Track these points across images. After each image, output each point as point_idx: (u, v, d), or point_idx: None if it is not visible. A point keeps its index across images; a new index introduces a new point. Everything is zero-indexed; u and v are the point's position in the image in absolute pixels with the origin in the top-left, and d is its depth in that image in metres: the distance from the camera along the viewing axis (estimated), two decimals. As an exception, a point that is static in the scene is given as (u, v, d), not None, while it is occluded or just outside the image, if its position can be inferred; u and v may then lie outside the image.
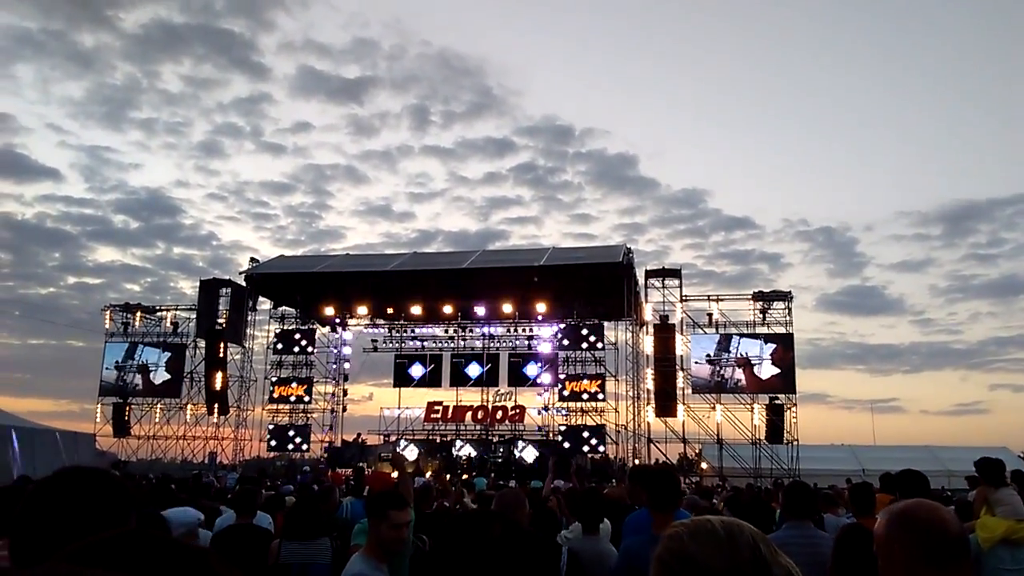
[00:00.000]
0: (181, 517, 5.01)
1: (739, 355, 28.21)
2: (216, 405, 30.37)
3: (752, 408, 27.83)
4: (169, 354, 31.79)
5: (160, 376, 31.68)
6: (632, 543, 4.45)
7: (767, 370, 27.96)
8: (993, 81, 78.32)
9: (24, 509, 1.66)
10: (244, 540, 5.84)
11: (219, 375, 30.12)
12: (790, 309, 28.38)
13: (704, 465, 29.09)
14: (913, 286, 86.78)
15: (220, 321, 30.79)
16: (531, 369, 30.47)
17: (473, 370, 30.95)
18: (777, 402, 27.67)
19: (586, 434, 28.44)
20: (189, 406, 31.58)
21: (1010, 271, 75.76)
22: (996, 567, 5.57)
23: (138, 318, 32.31)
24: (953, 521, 2.00)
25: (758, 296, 28.64)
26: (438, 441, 30.03)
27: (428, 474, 24.91)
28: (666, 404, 27.78)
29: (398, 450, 28.45)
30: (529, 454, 28.05)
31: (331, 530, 6.06)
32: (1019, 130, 79.04)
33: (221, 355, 30.30)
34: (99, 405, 31.64)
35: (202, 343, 30.97)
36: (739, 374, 28.10)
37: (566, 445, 28.08)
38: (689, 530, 1.35)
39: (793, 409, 27.72)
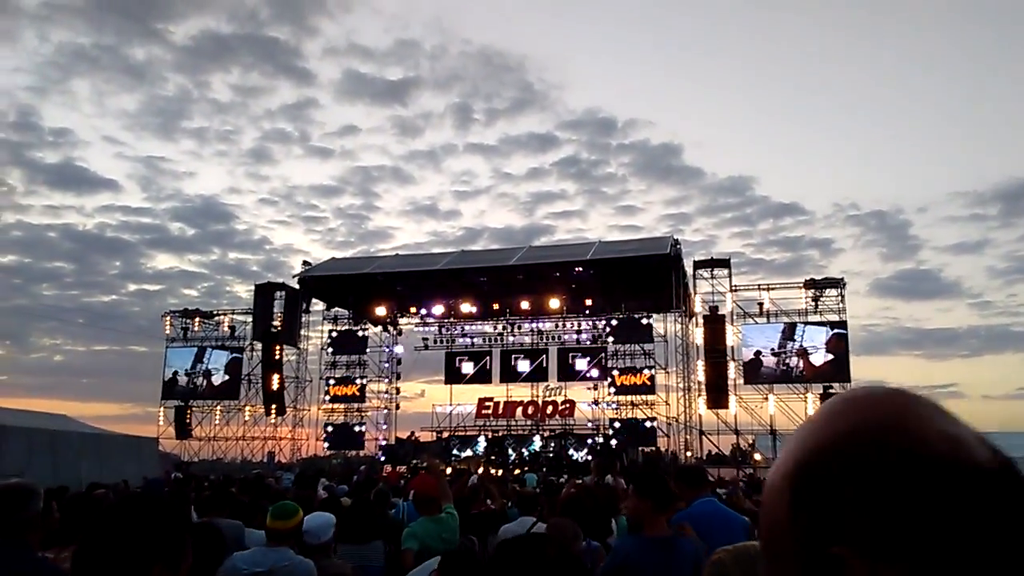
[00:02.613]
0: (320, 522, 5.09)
1: (801, 345, 27.80)
2: (273, 406, 31.14)
3: (805, 397, 27.41)
4: (232, 356, 32.73)
5: (220, 378, 32.62)
6: (623, 544, 4.40)
7: (820, 358, 27.54)
8: (1053, 52, 75.44)
9: (85, 541, 1.85)
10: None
11: (276, 376, 30.86)
12: (843, 296, 27.90)
13: (757, 456, 28.76)
14: (970, 268, 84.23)
15: (275, 324, 31.51)
16: (580, 363, 30.50)
17: (523, 365, 31.12)
18: (831, 391, 27.18)
19: (636, 427, 28.36)
20: (247, 407, 32.41)
21: (1075, 249, 73.00)
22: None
23: (197, 323, 33.26)
24: None
25: (810, 284, 28.18)
26: (490, 436, 30.29)
27: (479, 471, 25.25)
28: (718, 395, 27.56)
29: (468, 450, 28.96)
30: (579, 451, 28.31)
31: (385, 533, 6.23)
32: (1082, 101, 75.92)
33: (277, 357, 31.04)
34: (161, 408, 32.65)
35: (259, 346, 31.73)
36: (800, 363, 27.78)
37: (613, 443, 28.10)
38: (732, 555, 1.34)
39: (849, 398, 27.17)
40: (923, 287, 74.07)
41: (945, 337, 73.16)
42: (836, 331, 27.66)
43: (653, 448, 29.17)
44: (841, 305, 27.79)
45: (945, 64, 79.45)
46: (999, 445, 0.70)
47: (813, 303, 27.99)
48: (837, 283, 28.17)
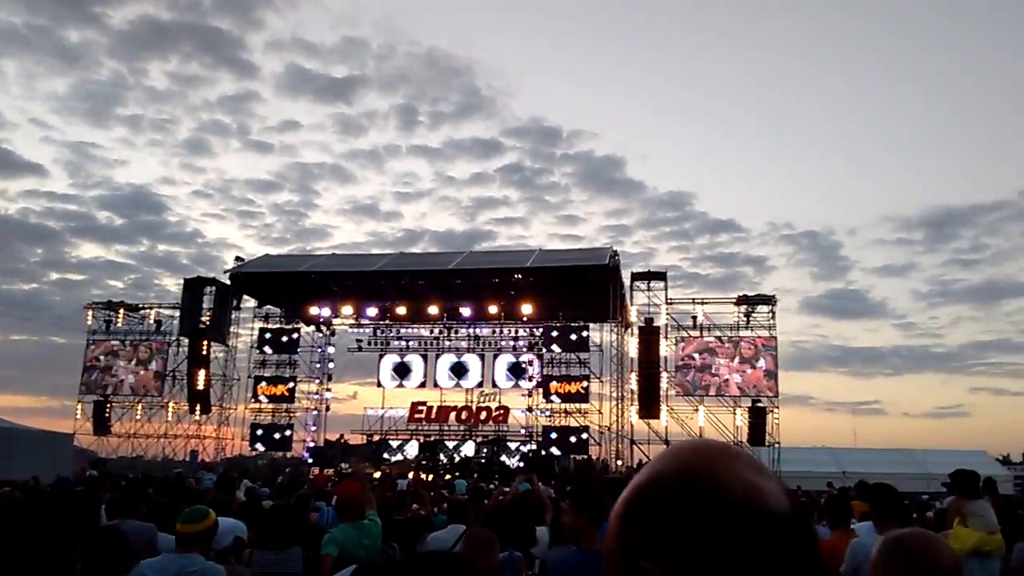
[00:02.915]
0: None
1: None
2: (198, 404, 30.22)
3: (735, 411, 27.95)
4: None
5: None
6: (565, 556, 4.41)
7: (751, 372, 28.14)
8: (976, 88, 79.09)
9: None
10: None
11: (202, 373, 29.97)
12: (774, 313, 28.56)
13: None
14: (896, 290, 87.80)
15: (204, 320, 30.63)
16: (516, 370, 30.47)
17: (458, 370, 30.91)
18: (759, 405, 27.80)
19: (569, 435, 28.46)
20: (171, 404, 31.41)
21: (991, 276, 76.70)
22: (967, 578, 5.67)
23: (121, 316, 32.09)
24: (946, 553, 1.99)
25: (742, 300, 28.76)
26: (422, 441, 30.02)
27: (410, 475, 24.96)
28: (649, 406, 27.85)
29: (399, 454, 28.66)
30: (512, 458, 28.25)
31: (304, 538, 6.02)
32: (1001, 136, 79.88)
33: (204, 353, 30.14)
34: (79, 403, 31.43)
35: (185, 341, 30.81)
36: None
37: (554, 451, 28.17)
38: None
39: (775, 411, 27.86)
40: (851, 306, 76.67)
41: (870, 355, 75.86)
42: (766, 347, 28.30)
43: (585, 456, 29.31)
44: (772, 321, 28.46)
45: (876, 93, 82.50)
46: (798, 498, 0.94)
47: (745, 318, 28.57)
48: (768, 300, 28.83)
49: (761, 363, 28.03)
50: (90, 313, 32.19)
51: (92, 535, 4.45)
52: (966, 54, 79.40)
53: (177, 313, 31.37)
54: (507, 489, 10.73)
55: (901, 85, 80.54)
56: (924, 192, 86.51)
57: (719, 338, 28.60)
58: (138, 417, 31.56)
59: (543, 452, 28.26)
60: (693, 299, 29.45)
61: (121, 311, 32.13)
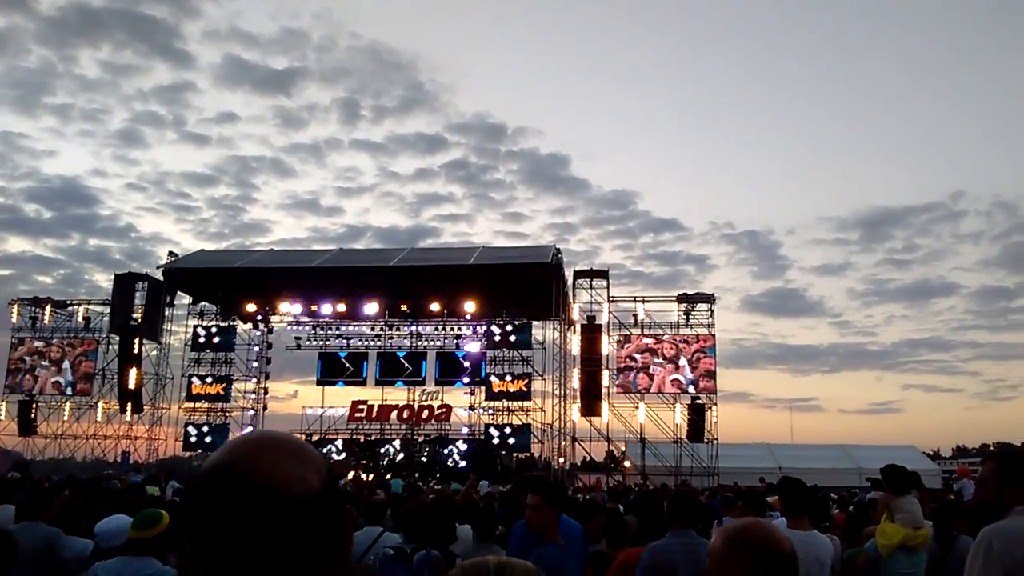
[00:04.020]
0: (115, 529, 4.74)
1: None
2: (129, 403, 29.32)
3: (674, 407, 28.27)
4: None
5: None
6: (547, 551, 4.34)
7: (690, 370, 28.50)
8: (909, 94, 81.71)
9: None
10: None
11: (133, 372, 29.09)
12: (713, 311, 28.95)
13: (627, 463, 29.41)
14: (832, 289, 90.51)
15: (135, 316, 29.74)
16: (458, 368, 30.27)
17: (399, 369, 30.56)
18: (699, 402, 28.16)
19: (511, 433, 28.38)
20: (101, 404, 30.39)
21: (923, 276, 79.46)
22: (894, 571, 5.80)
23: (48, 312, 30.95)
24: (786, 542, 2.08)
25: (683, 298, 29.07)
26: (362, 440, 29.64)
27: (350, 475, 24.60)
28: (591, 403, 27.98)
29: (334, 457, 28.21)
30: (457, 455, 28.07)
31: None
32: (933, 140, 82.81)
33: (136, 351, 29.27)
34: (4, 402, 30.24)
35: (116, 339, 29.87)
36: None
37: (495, 441, 28.03)
38: (464, 569, 1.45)
39: (714, 408, 28.26)
40: (789, 305, 78.67)
41: (808, 353, 77.97)
42: (706, 345, 28.68)
43: (527, 454, 29.27)
44: (712, 320, 28.85)
45: (813, 97, 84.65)
46: (327, 487, 1.03)
47: (685, 316, 28.90)
48: (708, 298, 29.21)
49: (693, 361, 28.40)
50: (15, 309, 30.99)
51: None
52: (900, 61, 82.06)
53: (108, 309, 30.41)
54: (439, 488, 10.54)
55: (838, 90, 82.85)
56: (860, 193, 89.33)
57: (659, 337, 28.87)
58: (66, 417, 30.51)
59: (485, 450, 28.12)
60: (635, 297, 29.70)
61: (48, 307, 31.01)
